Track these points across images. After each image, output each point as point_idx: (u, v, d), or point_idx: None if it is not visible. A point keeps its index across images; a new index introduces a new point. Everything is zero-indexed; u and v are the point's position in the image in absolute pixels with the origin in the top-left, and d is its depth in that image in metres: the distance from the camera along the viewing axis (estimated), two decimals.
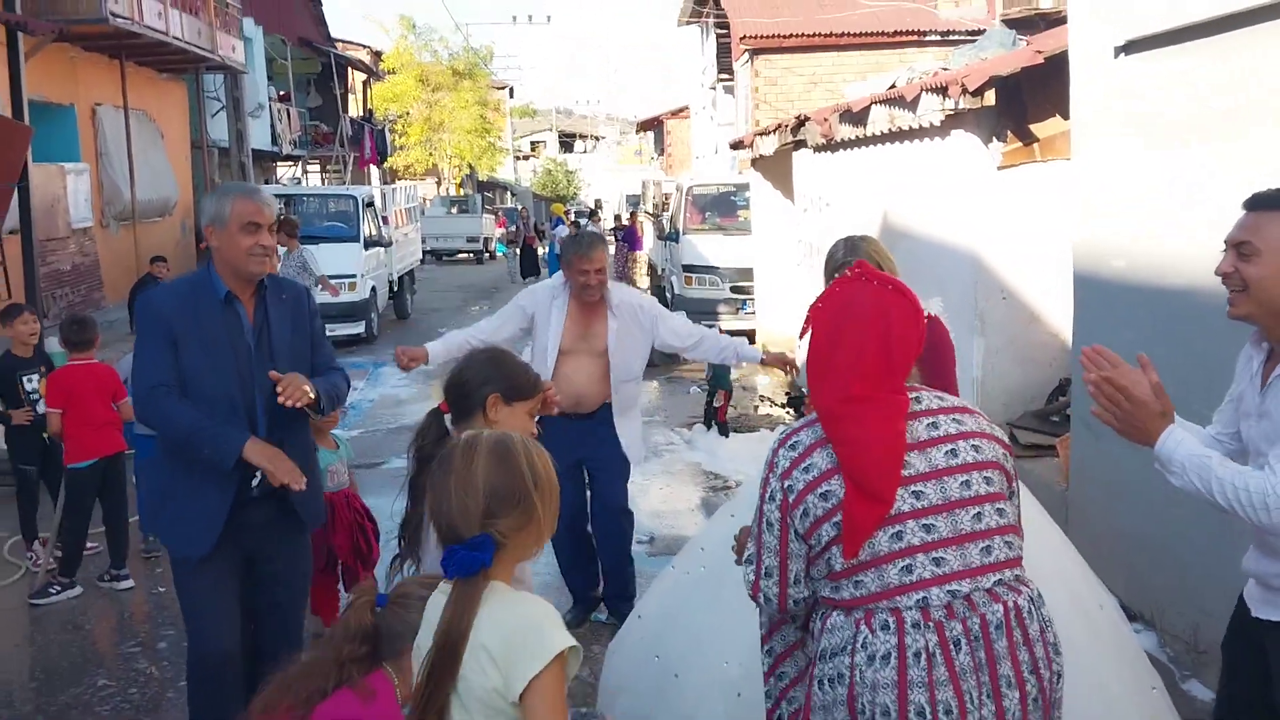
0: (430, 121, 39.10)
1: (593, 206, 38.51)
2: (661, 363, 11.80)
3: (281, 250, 10.11)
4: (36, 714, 4.47)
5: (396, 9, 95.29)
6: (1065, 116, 5.77)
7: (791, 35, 18.13)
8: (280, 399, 3.19)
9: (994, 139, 6.47)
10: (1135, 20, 4.64)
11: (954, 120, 6.51)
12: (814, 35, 18.13)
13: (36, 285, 11.75)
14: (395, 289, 17.99)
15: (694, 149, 30.01)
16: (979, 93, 6.12)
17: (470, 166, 42.09)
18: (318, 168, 30.41)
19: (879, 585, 2.10)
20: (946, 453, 2.16)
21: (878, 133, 7.73)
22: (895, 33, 17.99)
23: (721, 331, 5.30)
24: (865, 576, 2.11)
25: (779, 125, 10.95)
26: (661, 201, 19.19)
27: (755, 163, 13.01)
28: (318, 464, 3.80)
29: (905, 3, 18.25)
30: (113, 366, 6.04)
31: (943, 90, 6.39)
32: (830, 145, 9.22)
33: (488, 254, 34.79)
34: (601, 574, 5.12)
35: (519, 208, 42.45)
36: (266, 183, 23.24)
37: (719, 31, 22.07)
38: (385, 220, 17.56)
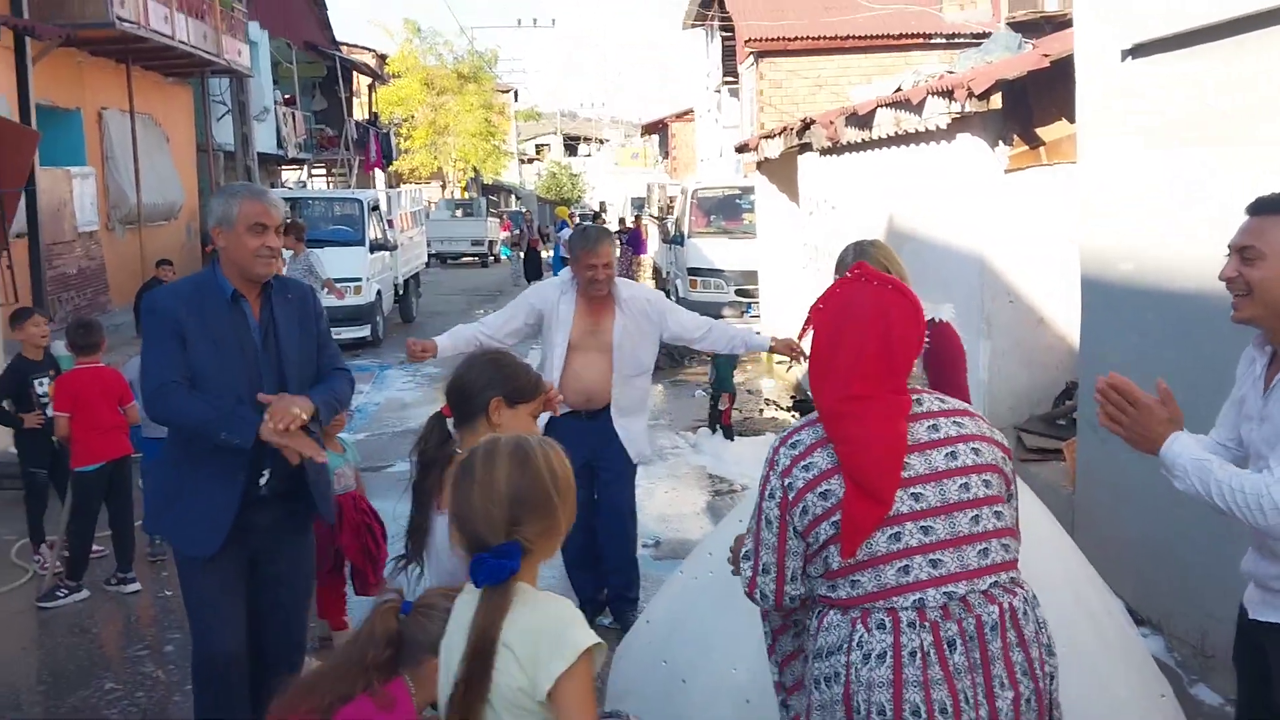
0: (435, 125, 39.16)
1: (597, 209, 38.41)
2: (666, 366, 11.81)
3: (287, 254, 10.12)
4: (44, 718, 4.47)
5: (401, 13, 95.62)
6: (1071, 120, 5.76)
7: (797, 38, 18.12)
8: (269, 424, 3.15)
9: (1000, 142, 6.47)
10: (1141, 23, 4.64)
11: (960, 124, 6.51)
12: (819, 38, 18.11)
13: (44, 289, 11.79)
14: (400, 292, 18.04)
15: (699, 152, 29.96)
16: (985, 96, 6.11)
17: (475, 170, 42.13)
18: (323, 171, 30.44)
19: (876, 585, 2.11)
20: (946, 455, 2.17)
21: (883, 136, 7.72)
22: (900, 36, 17.95)
23: None
24: (862, 576, 2.12)
25: (784, 128, 10.94)
26: (666, 205, 19.20)
27: (760, 166, 13.01)
28: (328, 461, 3.80)
29: (910, 6, 18.22)
30: (119, 370, 6.05)
31: (948, 93, 6.38)
32: (835, 148, 9.21)
33: (492, 257, 34.86)
34: (604, 574, 5.11)
35: (523, 211, 42.50)
36: (272, 186, 23.25)
37: (724, 34, 22.04)
38: (390, 224, 17.61)
